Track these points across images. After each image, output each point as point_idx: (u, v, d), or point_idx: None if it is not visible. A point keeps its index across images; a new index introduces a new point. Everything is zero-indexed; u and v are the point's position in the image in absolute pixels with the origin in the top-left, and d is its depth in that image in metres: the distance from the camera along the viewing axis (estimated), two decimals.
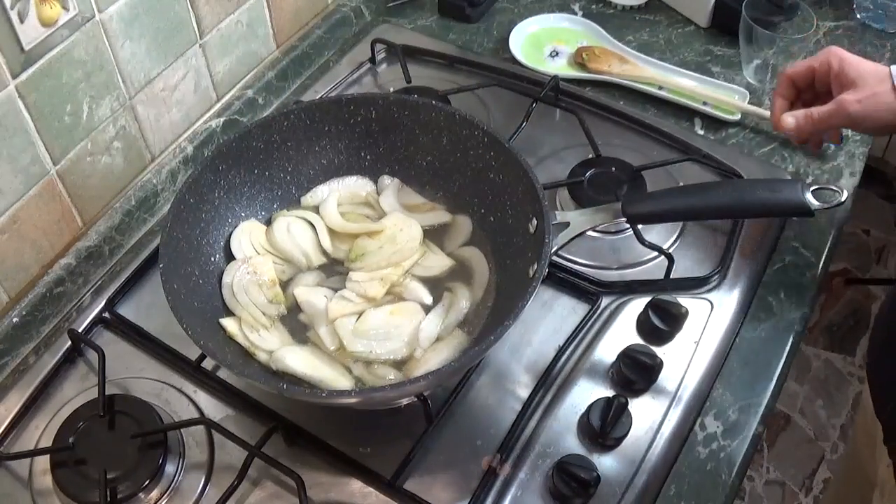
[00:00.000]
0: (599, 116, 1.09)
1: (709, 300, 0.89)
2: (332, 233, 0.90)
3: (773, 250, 0.95)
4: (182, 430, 0.81)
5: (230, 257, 0.87)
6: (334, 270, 0.88)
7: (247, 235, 0.89)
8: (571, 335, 0.86)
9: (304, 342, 0.83)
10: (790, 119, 0.92)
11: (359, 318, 0.82)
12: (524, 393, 0.83)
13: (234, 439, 0.78)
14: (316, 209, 0.92)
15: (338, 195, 0.93)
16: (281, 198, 0.93)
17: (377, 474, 0.77)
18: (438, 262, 0.88)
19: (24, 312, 0.87)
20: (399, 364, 0.81)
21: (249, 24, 1.08)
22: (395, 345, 0.81)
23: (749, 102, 1.09)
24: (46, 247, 0.91)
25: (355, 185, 0.94)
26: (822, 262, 0.95)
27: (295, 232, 0.89)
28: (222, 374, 0.85)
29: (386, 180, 0.94)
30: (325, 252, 0.89)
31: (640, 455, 0.78)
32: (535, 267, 0.76)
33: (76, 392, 0.84)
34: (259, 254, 0.87)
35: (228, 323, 0.82)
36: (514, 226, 0.85)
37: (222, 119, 1.07)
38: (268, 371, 0.80)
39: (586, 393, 0.82)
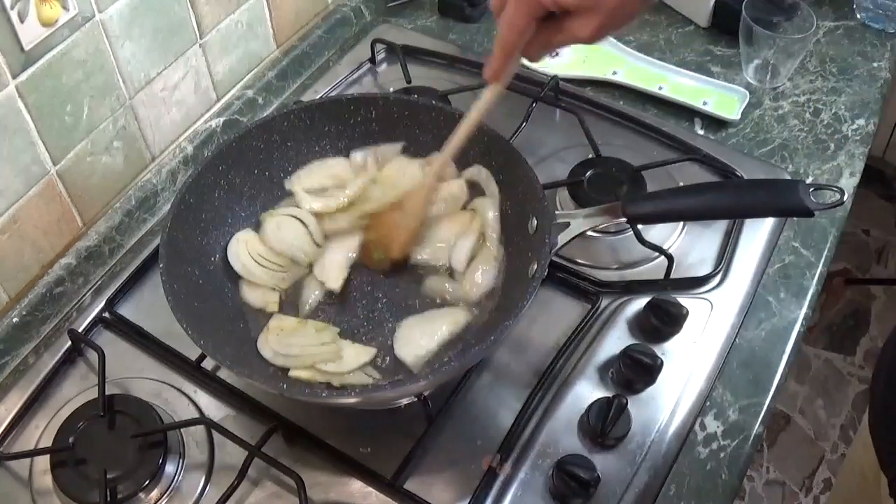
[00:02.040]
0: (599, 116, 1.09)
1: (709, 300, 0.89)
2: (328, 218, 0.89)
3: (773, 250, 0.95)
4: (182, 430, 0.81)
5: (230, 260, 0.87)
6: None
7: (243, 246, 0.87)
8: (571, 335, 0.86)
9: None
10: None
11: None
12: (524, 393, 0.82)
13: (234, 439, 0.78)
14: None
15: (309, 179, 0.91)
16: (281, 198, 0.93)
17: (377, 474, 0.77)
18: (456, 187, 0.89)
19: (24, 312, 0.87)
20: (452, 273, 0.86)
21: (249, 24, 1.08)
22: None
23: (749, 103, 1.09)
24: (46, 247, 0.91)
25: (328, 166, 0.93)
26: (822, 262, 0.95)
27: (286, 230, 0.88)
28: (222, 374, 0.85)
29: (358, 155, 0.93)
30: (319, 245, 0.89)
31: (640, 455, 0.78)
32: (535, 267, 0.76)
33: (76, 392, 0.84)
34: (259, 264, 0.86)
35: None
36: (515, 226, 0.85)
37: (222, 119, 1.07)
38: (268, 371, 0.80)
39: (586, 393, 0.82)
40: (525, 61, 0.73)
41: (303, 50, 1.16)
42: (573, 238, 0.80)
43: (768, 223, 0.97)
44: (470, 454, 0.79)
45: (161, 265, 0.76)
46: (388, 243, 0.86)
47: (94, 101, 0.89)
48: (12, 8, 0.75)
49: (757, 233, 0.96)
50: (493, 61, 0.71)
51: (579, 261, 0.93)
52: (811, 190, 0.78)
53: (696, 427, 0.81)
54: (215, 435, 0.80)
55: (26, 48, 0.79)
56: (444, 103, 0.93)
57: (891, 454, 0.81)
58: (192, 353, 0.84)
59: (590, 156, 1.01)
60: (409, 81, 1.12)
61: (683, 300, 0.87)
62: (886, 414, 0.84)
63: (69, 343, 0.87)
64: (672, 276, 0.90)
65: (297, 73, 1.17)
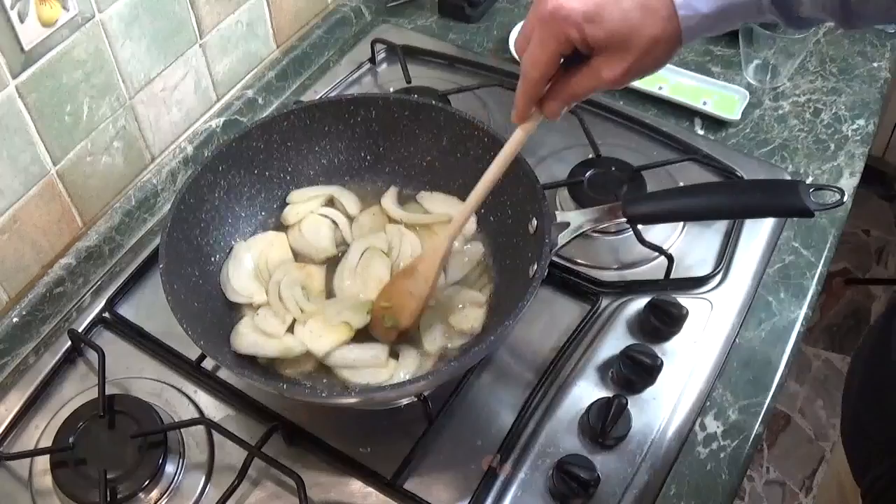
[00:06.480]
0: (599, 116, 1.09)
1: (709, 300, 0.89)
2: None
3: (773, 250, 0.95)
4: (182, 430, 0.81)
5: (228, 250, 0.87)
6: None
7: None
8: (571, 335, 0.86)
9: None
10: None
11: None
12: (524, 393, 0.82)
13: (234, 439, 0.78)
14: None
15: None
16: (281, 198, 0.93)
17: (377, 474, 0.77)
18: (478, 251, 0.89)
19: (24, 312, 0.88)
20: None
21: (249, 24, 1.08)
22: None
23: (749, 103, 1.09)
24: (46, 247, 0.91)
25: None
26: (822, 262, 0.95)
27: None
28: (222, 374, 0.85)
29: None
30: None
31: (640, 455, 0.78)
32: (535, 267, 0.76)
33: (76, 392, 0.84)
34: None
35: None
36: (514, 226, 0.85)
37: (222, 119, 1.07)
38: (267, 371, 0.80)
39: (586, 393, 0.82)
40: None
41: (303, 50, 1.16)
42: (573, 238, 0.80)
43: (768, 223, 0.97)
44: (470, 454, 0.79)
45: (161, 265, 0.76)
46: (399, 311, 0.80)
47: (94, 101, 0.89)
48: (12, 8, 0.75)
49: (757, 233, 0.96)
50: (517, 103, 0.69)
51: (579, 261, 0.93)
52: (811, 190, 0.78)
53: (696, 427, 0.81)
54: (215, 435, 0.80)
55: (26, 48, 0.79)
56: (444, 103, 0.93)
57: (863, 466, 0.81)
58: (192, 353, 0.84)
59: (590, 156, 1.01)
60: (409, 81, 1.12)
61: (683, 300, 0.87)
62: (858, 427, 0.83)
63: (69, 343, 0.87)
64: (672, 276, 0.90)
65: (297, 73, 1.17)
